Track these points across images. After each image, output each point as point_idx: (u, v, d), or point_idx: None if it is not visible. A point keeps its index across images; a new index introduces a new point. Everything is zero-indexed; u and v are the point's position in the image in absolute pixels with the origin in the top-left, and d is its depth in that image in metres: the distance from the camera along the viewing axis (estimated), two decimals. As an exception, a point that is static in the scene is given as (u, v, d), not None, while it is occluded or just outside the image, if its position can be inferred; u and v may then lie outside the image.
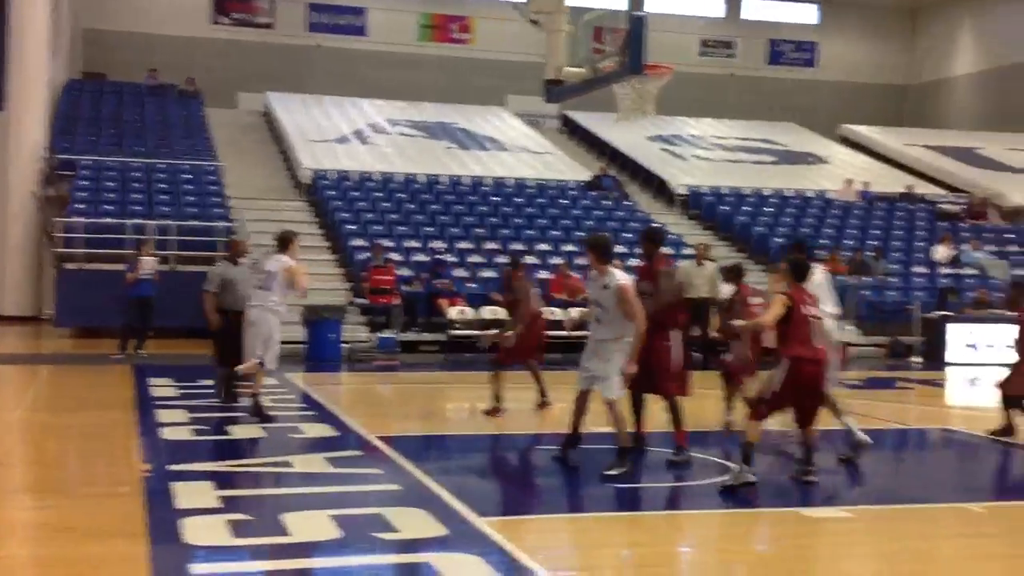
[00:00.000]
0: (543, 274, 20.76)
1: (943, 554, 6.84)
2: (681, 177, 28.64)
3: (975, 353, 19.83)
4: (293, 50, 36.57)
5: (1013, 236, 26.45)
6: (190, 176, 24.52)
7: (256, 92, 33.56)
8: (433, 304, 19.68)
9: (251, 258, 13.03)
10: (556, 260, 21.53)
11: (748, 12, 41.99)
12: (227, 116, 31.26)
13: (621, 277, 8.64)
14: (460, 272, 21.04)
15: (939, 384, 17.53)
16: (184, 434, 10.13)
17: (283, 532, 6.57)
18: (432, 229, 23.04)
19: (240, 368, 10.99)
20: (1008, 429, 10.89)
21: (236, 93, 34.74)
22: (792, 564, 6.58)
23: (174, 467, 8.40)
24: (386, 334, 18.92)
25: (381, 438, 10.02)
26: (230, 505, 7.25)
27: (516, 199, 25.47)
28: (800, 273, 8.40)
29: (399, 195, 24.86)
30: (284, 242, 11.12)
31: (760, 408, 8.22)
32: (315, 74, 36.32)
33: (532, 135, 32.05)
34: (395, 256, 21.10)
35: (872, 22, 42.53)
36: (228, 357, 11.42)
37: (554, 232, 23.45)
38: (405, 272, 20.57)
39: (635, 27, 10.30)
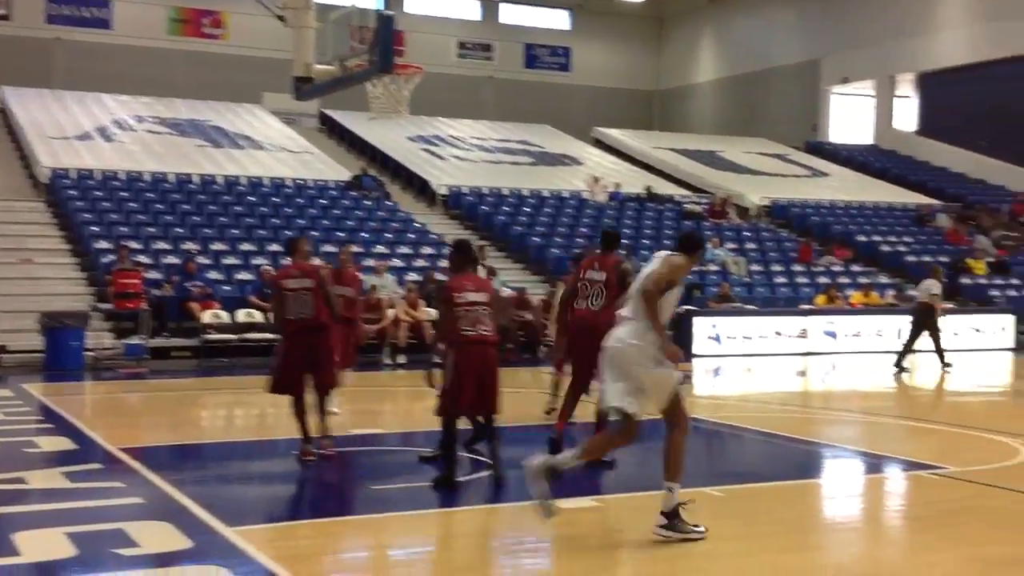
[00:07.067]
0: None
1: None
2: (442, 177, 28.83)
3: (718, 345, 20.94)
4: (31, 43, 34.38)
5: (751, 234, 28.11)
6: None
7: (-11, 86, 31.35)
8: (184, 308, 18.91)
9: None
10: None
11: (505, 16, 42.81)
12: (-46, 111, 29.08)
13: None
14: (215, 275, 20.34)
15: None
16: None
17: (14, 552, 6.13)
18: (183, 230, 22.15)
19: None
20: None
21: (-35, 87, 32.33)
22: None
23: None
24: (134, 340, 18.04)
25: (125, 450, 9.53)
26: (-48, 527, 6.67)
27: (273, 199, 24.89)
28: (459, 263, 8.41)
29: (147, 195, 23.81)
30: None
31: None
32: (55, 69, 34.30)
33: (289, 133, 31.46)
34: (143, 259, 20.17)
35: (621, 29, 44.25)
36: None
37: (314, 232, 23.02)
38: (154, 275, 19.68)
39: (383, 26, 10.20)
